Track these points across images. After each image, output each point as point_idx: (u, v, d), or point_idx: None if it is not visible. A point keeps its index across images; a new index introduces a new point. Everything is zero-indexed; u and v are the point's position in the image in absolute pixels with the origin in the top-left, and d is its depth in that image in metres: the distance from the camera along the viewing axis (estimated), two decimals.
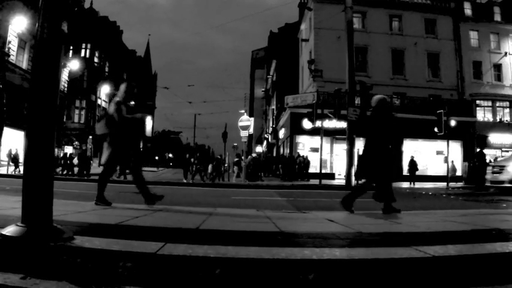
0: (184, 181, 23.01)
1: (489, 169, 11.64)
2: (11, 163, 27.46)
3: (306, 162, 28.64)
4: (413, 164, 26.18)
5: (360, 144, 22.61)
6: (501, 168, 10.13)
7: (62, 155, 32.34)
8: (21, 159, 29.50)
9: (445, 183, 23.48)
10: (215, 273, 2.63)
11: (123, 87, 6.88)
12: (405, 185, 23.87)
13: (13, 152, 27.85)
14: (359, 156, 7.18)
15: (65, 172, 27.34)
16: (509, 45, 37.54)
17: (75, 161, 28.37)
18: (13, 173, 25.65)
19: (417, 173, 26.54)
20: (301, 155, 29.49)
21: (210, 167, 25.65)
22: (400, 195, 14.85)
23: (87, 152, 31.71)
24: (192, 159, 25.41)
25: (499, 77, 37.42)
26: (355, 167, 10.85)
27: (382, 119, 6.73)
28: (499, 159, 23.77)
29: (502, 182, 9.59)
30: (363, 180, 7.02)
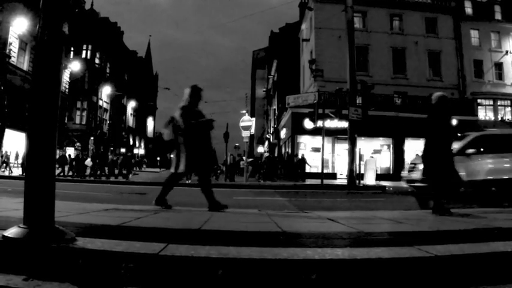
0: (187, 182, 22.99)
1: (405, 167, 11.43)
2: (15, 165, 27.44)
3: (299, 162, 28.41)
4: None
5: (360, 144, 22.66)
6: (414, 167, 9.94)
7: (73, 156, 32.14)
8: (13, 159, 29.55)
9: None
10: (217, 274, 2.63)
11: (188, 91, 6.63)
12: None
13: (20, 155, 27.88)
14: (423, 157, 7.02)
15: (75, 174, 26.78)
16: (510, 44, 37.49)
17: (88, 162, 27.96)
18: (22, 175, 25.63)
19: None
20: (296, 154, 29.48)
21: None
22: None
23: (109, 154, 31.33)
24: None
25: (500, 76, 37.38)
26: (408, 166, 10.58)
27: (443, 118, 6.67)
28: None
29: (414, 180, 9.46)
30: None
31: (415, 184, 9.42)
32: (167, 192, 6.49)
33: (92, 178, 25.25)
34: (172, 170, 6.57)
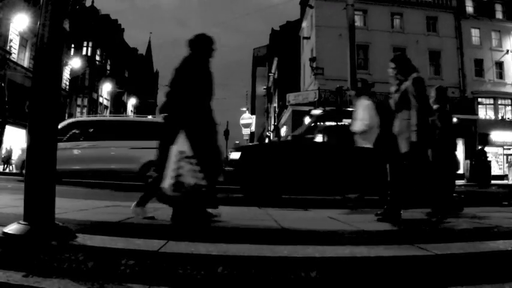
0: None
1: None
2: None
3: None
4: None
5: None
6: None
7: None
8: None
9: None
10: (217, 271, 2.64)
11: (434, 92, 6.76)
12: None
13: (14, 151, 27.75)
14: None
15: None
16: (511, 43, 37.44)
17: None
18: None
19: None
20: None
21: None
22: None
23: None
24: None
25: (500, 75, 37.33)
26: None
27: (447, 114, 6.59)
28: None
29: None
30: None
31: None
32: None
33: None
34: None
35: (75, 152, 11.90)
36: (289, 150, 8.92)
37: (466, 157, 29.53)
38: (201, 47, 4.73)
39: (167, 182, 4.11)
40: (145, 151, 11.69)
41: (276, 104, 51.13)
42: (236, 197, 8.93)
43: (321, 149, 9.13)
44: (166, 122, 4.55)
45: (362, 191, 7.02)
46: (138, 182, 10.97)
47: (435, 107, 6.56)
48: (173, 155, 4.16)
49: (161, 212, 4.85)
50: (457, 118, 26.28)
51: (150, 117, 20.16)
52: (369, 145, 6.85)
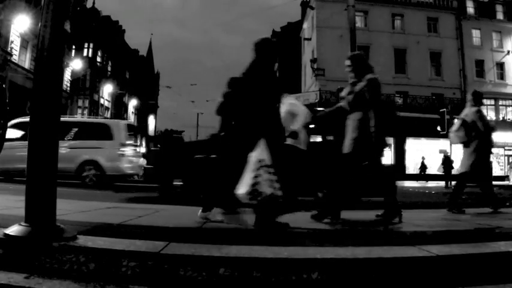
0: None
1: None
2: None
3: None
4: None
5: None
6: None
7: None
8: None
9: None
10: (218, 273, 2.63)
11: (470, 96, 7.21)
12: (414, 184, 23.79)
13: None
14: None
15: None
16: None
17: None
18: None
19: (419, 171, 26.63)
20: None
21: None
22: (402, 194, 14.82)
23: None
24: None
25: (501, 76, 37.33)
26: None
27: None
28: None
29: None
30: None
31: None
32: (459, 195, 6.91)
33: None
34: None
35: (21, 151, 12.11)
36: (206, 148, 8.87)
37: None
38: (269, 51, 4.63)
39: (243, 189, 4.06)
40: (82, 151, 12.30)
41: None
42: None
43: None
44: (242, 128, 4.47)
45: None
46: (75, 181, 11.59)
47: (473, 109, 6.67)
48: (252, 163, 4.11)
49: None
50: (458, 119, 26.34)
51: (85, 117, 20.51)
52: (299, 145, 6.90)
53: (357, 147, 5.13)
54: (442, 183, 23.13)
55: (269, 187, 4.03)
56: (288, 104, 7.28)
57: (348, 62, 5.57)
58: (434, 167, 31.35)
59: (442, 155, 25.78)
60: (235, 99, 4.57)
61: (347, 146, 5.26)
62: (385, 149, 5.42)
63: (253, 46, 4.61)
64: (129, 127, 14.21)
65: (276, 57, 4.71)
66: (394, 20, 36.82)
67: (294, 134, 6.91)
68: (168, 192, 9.24)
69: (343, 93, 5.65)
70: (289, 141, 7.00)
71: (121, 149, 12.84)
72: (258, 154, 4.14)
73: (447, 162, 23.94)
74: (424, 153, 30.88)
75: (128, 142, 13.41)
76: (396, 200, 5.37)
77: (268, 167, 4.11)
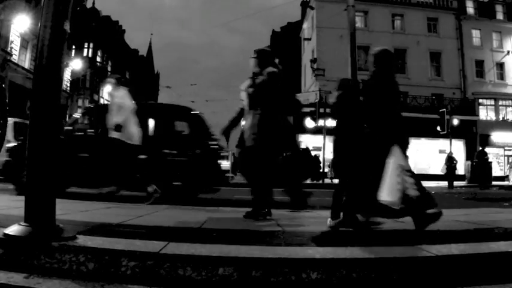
0: None
1: None
2: None
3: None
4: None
5: None
6: None
7: None
8: None
9: (447, 182, 23.09)
10: (218, 273, 2.63)
11: None
12: None
13: None
14: None
15: None
16: None
17: None
18: None
19: (419, 172, 26.54)
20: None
21: None
22: None
23: None
24: None
25: (501, 76, 37.32)
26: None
27: None
28: None
29: None
30: None
31: None
32: None
33: None
34: None
35: None
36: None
37: (467, 158, 29.55)
38: (390, 61, 4.78)
39: (390, 195, 4.13)
40: None
41: None
42: None
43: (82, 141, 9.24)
44: (378, 136, 4.51)
45: (120, 184, 7.27)
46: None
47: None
48: (393, 169, 4.20)
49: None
50: (458, 119, 26.35)
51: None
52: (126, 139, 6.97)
53: (257, 142, 5.25)
54: (442, 184, 23.14)
55: (414, 190, 4.17)
56: (119, 96, 7.33)
57: (254, 55, 5.66)
58: (434, 167, 31.43)
59: (445, 155, 25.25)
60: (366, 106, 4.67)
61: (247, 140, 5.39)
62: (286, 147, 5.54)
63: (373, 57, 4.74)
64: None
65: (395, 68, 4.88)
66: (394, 20, 36.84)
67: (118, 127, 7.00)
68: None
69: (242, 87, 5.70)
70: (114, 134, 7.07)
71: None
72: (397, 160, 4.25)
73: (451, 162, 23.39)
74: (423, 153, 30.90)
75: None
76: (265, 198, 5.45)
77: (408, 172, 4.24)
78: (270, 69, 5.41)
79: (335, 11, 29.32)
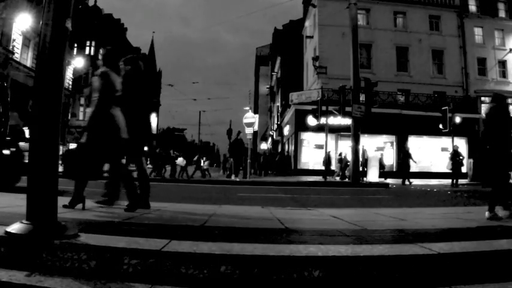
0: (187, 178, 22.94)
1: None
2: None
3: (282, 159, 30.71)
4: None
5: (363, 141, 22.67)
6: None
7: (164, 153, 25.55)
8: None
9: (449, 180, 22.84)
10: (220, 270, 2.63)
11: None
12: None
13: None
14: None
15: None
16: None
17: (181, 161, 24.04)
18: None
19: (422, 170, 26.49)
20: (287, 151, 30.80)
21: (206, 163, 25.92)
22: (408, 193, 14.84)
23: None
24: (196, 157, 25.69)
25: (503, 74, 37.17)
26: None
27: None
28: None
29: None
30: None
31: None
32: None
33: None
34: None
35: None
36: None
37: (469, 156, 29.48)
38: (503, 101, 6.32)
39: None
40: None
41: (279, 103, 51.12)
42: None
43: None
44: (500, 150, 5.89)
45: None
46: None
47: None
48: None
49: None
50: (460, 117, 26.29)
51: None
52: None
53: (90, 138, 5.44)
54: (445, 181, 23.05)
55: None
56: None
57: (102, 51, 6.15)
58: (436, 165, 31.37)
59: (447, 153, 24.52)
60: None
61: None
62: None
63: (493, 98, 6.36)
64: None
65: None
66: (396, 18, 36.71)
67: None
68: None
69: (85, 91, 6.12)
70: None
71: None
72: None
73: (457, 156, 22.05)
74: (426, 151, 30.87)
75: None
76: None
77: None
78: (103, 69, 5.86)
79: (337, 8, 29.25)
